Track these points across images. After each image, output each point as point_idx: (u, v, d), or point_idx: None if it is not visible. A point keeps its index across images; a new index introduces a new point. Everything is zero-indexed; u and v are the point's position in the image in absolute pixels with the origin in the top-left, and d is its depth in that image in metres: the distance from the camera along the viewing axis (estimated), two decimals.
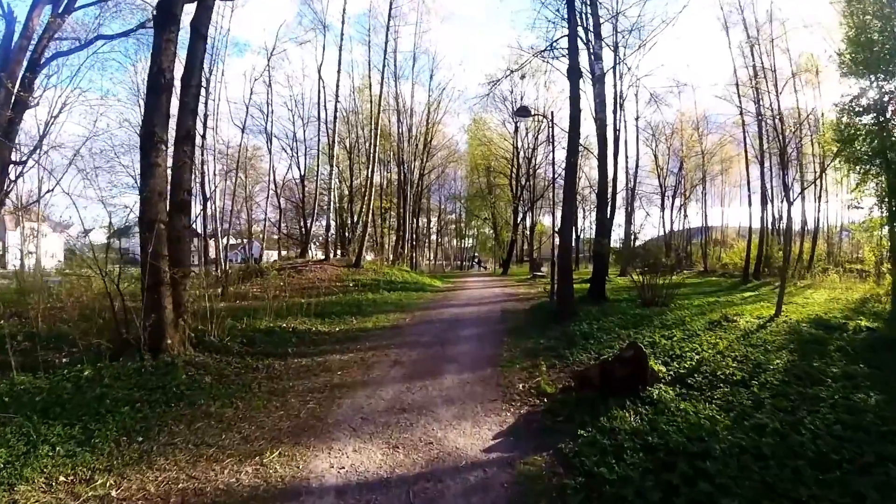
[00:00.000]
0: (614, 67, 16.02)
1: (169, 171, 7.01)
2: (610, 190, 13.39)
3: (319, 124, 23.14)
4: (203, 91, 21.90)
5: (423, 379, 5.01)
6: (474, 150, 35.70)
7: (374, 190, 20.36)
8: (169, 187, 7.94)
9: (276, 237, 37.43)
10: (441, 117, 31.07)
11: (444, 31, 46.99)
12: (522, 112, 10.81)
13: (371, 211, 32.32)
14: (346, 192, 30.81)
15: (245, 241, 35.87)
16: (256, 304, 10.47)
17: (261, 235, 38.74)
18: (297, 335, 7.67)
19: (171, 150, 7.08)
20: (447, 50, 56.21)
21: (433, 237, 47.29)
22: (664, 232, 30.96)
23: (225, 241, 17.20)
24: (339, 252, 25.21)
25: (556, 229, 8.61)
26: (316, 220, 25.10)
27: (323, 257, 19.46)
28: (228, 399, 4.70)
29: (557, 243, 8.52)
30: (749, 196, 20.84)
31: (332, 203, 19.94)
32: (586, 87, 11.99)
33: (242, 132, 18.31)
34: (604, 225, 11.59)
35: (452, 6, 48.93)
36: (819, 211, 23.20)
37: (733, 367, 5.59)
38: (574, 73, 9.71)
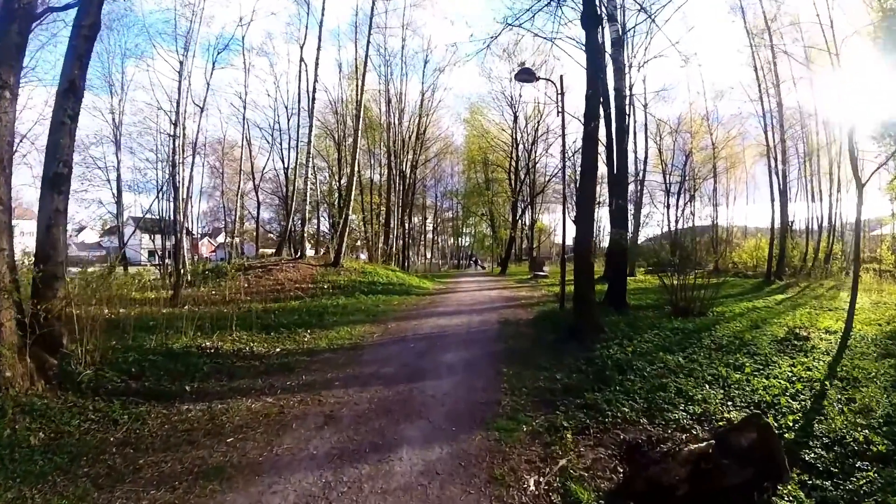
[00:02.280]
0: (625, 35, 14.00)
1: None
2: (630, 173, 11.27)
3: (300, 112, 21.00)
4: (177, 76, 19.76)
5: (361, 460, 2.88)
6: (471, 143, 33.55)
7: (356, 179, 18.23)
8: (43, 156, 6.10)
9: (267, 235, 35.35)
10: (436, 105, 28.88)
11: (436, 23, 44.53)
12: (525, 75, 8.67)
13: (362, 207, 30.44)
14: (336, 187, 28.67)
15: (237, 239, 33.84)
16: (210, 310, 8.43)
17: (251, 233, 36.60)
18: (217, 360, 5.55)
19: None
20: (440, 45, 54.06)
21: (429, 235, 45.22)
22: (669, 229, 29.01)
23: (181, 235, 15.02)
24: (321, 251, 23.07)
25: (573, 216, 6.51)
26: (299, 215, 22.98)
27: (298, 255, 17.27)
28: (29, 484, 2.72)
29: (573, 235, 6.39)
30: (772, 190, 19.05)
31: (308, 194, 17.78)
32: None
33: (202, 111, 16.10)
34: (622, 214, 9.44)
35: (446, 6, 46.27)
36: (832, 207, 21.35)
37: (858, 425, 3.59)
38: (591, 20, 7.62)
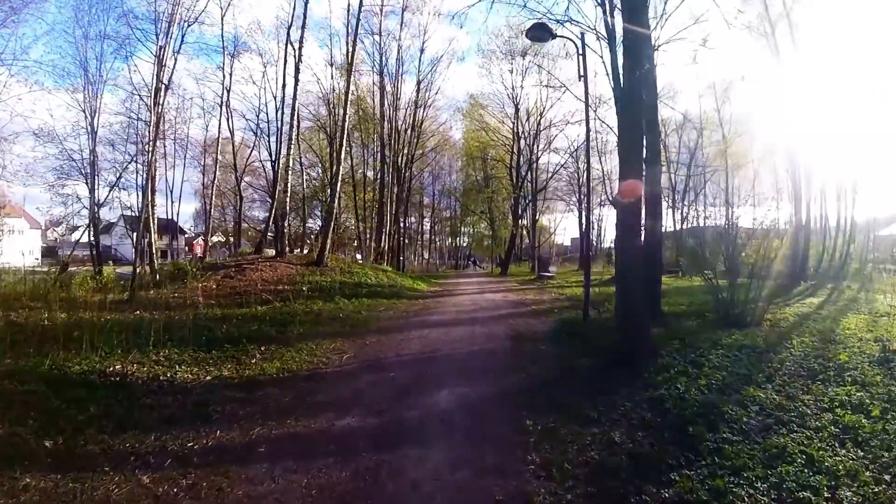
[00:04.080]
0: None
1: None
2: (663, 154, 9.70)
3: (284, 99, 19.28)
4: (156, 61, 18.02)
5: None
6: (470, 138, 31.90)
7: (342, 167, 16.64)
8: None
9: (259, 232, 33.68)
10: (434, 93, 27.22)
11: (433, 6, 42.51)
12: (539, 31, 7.06)
13: (356, 204, 28.69)
14: (327, 183, 27.03)
15: (231, 238, 32.18)
16: (159, 316, 6.86)
17: (245, 231, 34.92)
18: (116, 394, 3.93)
19: None
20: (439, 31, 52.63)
21: (426, 235, 43.66)
22: (674, 228, 27.56)
23: (148, 232, 13.40)
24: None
25: (611, 196, 4.88)
26: (284, 210, 21.30)
27: (278, 252, 15.63)
28: None
29: (615, 222, 4.76)
30: (792, 189, 17.78)
31: (289, 183, 16.17)
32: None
33: (167, 89, 14.40)
34: (655, 203, 7.83)
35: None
36: (848, 208, 20.13)
37: None
38: None
